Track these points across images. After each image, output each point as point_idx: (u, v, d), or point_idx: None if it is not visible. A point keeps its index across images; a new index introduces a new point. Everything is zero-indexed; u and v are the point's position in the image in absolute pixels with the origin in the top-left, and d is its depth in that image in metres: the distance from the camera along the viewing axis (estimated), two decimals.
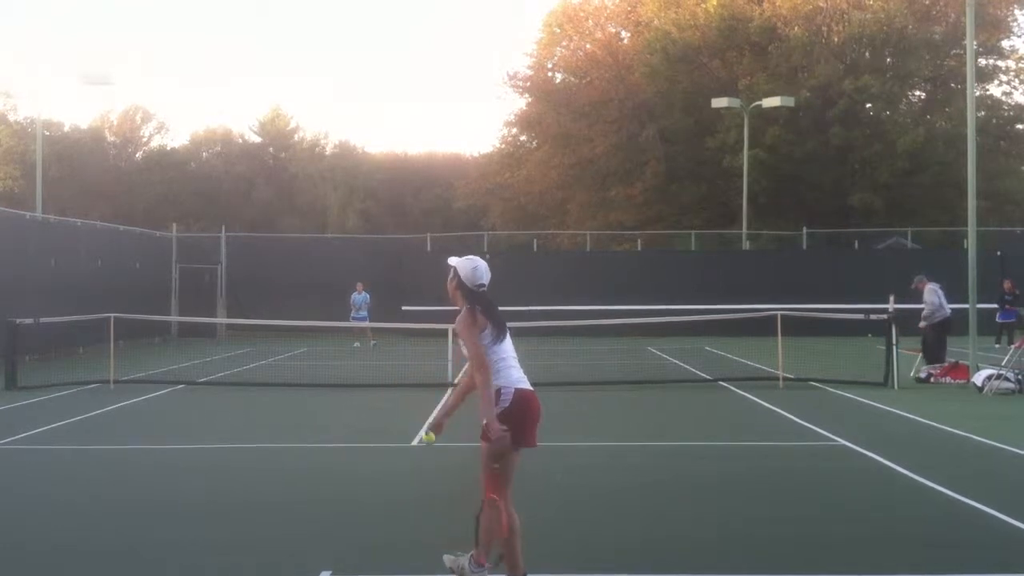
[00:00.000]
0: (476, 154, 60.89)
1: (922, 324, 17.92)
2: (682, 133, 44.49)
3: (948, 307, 17.94)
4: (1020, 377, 15.49)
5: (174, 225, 35.26)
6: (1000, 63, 45.15)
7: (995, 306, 25.09)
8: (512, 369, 5.63)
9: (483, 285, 5.73)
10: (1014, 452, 10.36)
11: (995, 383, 15.43)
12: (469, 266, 5.76)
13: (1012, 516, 7.46)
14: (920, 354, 18.02)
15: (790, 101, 36.93)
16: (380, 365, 20.40)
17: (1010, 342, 23.83)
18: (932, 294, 17.83)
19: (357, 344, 27.15)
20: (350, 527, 7.46)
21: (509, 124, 51.44)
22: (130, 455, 10.82)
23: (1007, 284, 25.66)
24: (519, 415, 5.53)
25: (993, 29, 42.45)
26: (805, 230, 35.70)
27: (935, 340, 17.83)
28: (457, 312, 5.71)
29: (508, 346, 5.70)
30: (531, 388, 5.69)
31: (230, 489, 8.91)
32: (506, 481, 5.60)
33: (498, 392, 5.54)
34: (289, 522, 7.54)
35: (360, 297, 27.39)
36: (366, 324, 25.87)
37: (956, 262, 22.67)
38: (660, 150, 44.03)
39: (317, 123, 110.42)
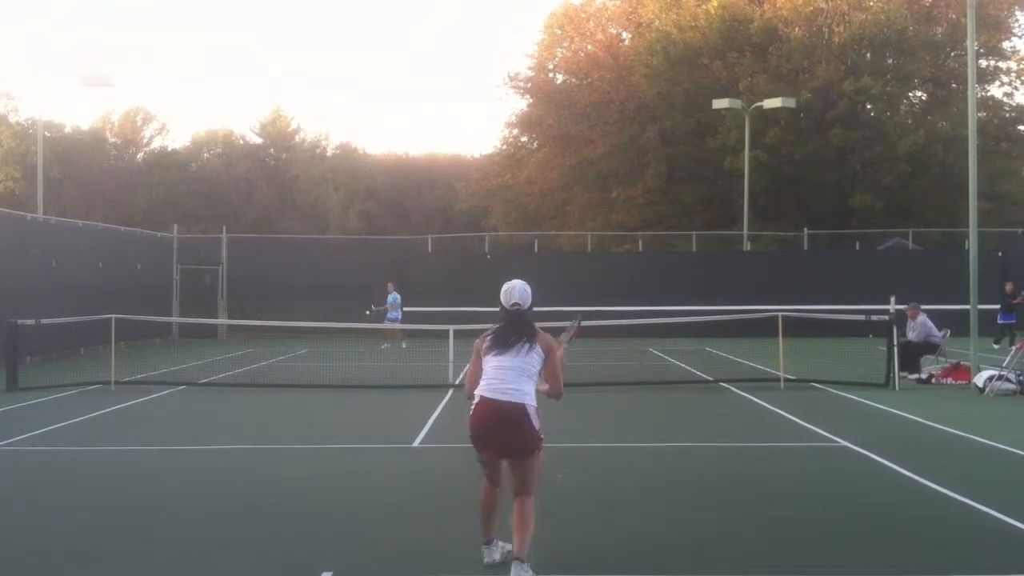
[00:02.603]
0: (477, 155, 60.96)
1: (911, 336, 18.36)
2: (683, 134, 44.48)
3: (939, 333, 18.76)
4: (1021, 378, 15.49)
5: (175, 226, 35.28)
6: (1001, 64, 45.10)
7: (996, 307, 25.13)
8: (488, 380, 6.13)
9: (517, 304, 6.28)
10: (1015, 453, 10.36)
11: (996, 384, 15.43)
12: (505, 287, 6.36)
13: (1012, 517, 7.45)
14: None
15: (791, 102, 36.91)
16: (381, 366, 20.40)
17: (1011, 343, 23.87)
18: (925, 326, 18.52)
19: (386, 345, 27.14)
20: (351, 528, 7.46)
21: (510, 125, 51.43)
22: (131, 456, 10.81)
23: (1008, 286, 25.69)
24: (478, 422, 6.13)
25: (994, 30, 42.41)
26: (806, 231, 35.69)
27: (917, 350, 18.19)
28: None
29: (504, 362, 6.13)
30: (502, 398, 6.05)
31: (231, 490, 8.91)
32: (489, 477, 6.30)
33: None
34: (290, 523, 7.54)
35: (392, 297, 27.54)
36: (398, 325, 26.05)
37: (957, 263, 22.69)
38: (661, 151, 44.00)
39: (318, 124, 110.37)
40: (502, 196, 49.39)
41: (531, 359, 6.13)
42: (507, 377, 6.06)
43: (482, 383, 6.13)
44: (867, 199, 40.40)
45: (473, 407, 6.14)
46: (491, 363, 6.13)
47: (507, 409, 6.01)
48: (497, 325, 6.30)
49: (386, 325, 26.57)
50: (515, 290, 6.31)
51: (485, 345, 6.21)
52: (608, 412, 14.20)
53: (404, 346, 26.91)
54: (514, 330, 6.18)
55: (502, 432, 6.03)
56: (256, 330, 30.24)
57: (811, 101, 41.15)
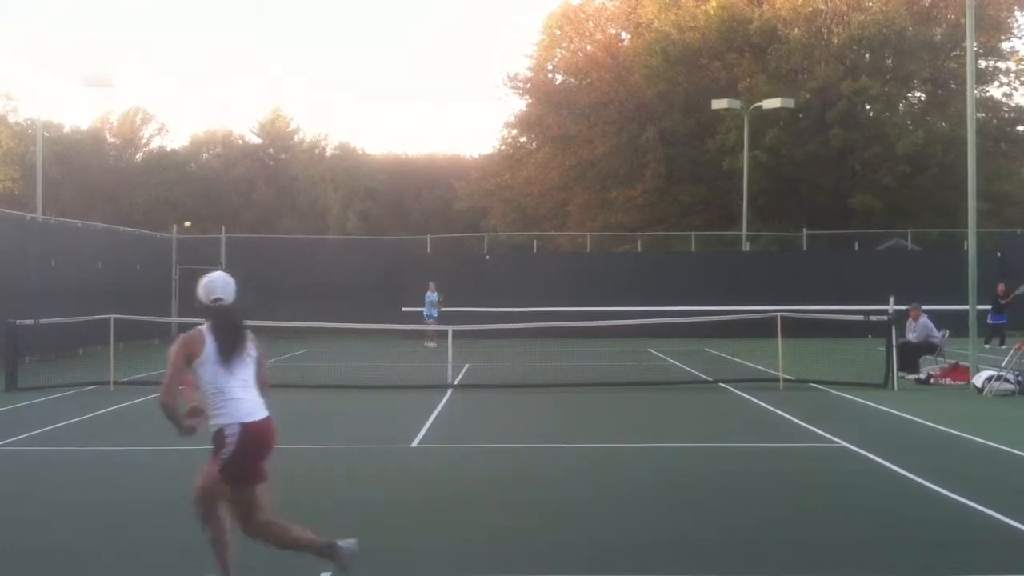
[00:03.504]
0: (476, 155, 60.97)
1: (911, 337, 18.47)
2: (682, 135, 44.49)
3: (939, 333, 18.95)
4: (1020, 378, 15.50)
5: (175, 226, 35.27)
6: (1000, 64, 45.15)
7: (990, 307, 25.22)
8: (237, 402, 5.34)
9: (220, 299, 5.49)
10: (1014, 453, 10.36)
11: (995, 384, 15.44)
12: (202, 282, 5.56)
13: (1012, 517, 7.46)
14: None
15: (790, 103, 36.93)
16: (380, 367, 20.39)
17: (1001, 343, 23.89)
18: (926, 328, 18.69)
19: (433, 344, 27.18)
20: (350, 528, 7.44)
21: (509, 125, 51.45)
22: (130, 456, 10.81)
23: (1000, 287, 25.75)
24: (252, 452, 5.39)
25: (993, 31, 42.45)
26: (805, 231, 35.69)
27: (916, 351, 18.30)
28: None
29: (238, 374, 5.40)
30: (262, 418, 5.41)
31: None
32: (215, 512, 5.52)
33: (221, 432, 5.32)
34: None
35: (431, 296, 27.78)
36: (433, 326, 26.13)
37: (956, 263, 22.70)
38: (660, 151, 44.01)
39: (317, 124, 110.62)
40: (501, 196, 49.42)
41: (252, 363, 5.51)
42: (253, 394, 5.45)
43: (231, 406, 5.32)
44: (866, 199, 40.41)
45: (239, 439, 5.31)
46: (225, 378, 5.32)
47: (272, 429, 5.42)
48: (206, 326, 5.40)
49: (424, 326, 26.69)
50: (216, 283, 5.51)
51: (205, 351, 5.31)
52: (607, 412, 14.18)
53: (434, 346, 26.59)
54: (236, 332, 5.43)
55: (267, 454, 5.43)
56: (256, 330, 30.16)
57: (810, 101, 41.16)
